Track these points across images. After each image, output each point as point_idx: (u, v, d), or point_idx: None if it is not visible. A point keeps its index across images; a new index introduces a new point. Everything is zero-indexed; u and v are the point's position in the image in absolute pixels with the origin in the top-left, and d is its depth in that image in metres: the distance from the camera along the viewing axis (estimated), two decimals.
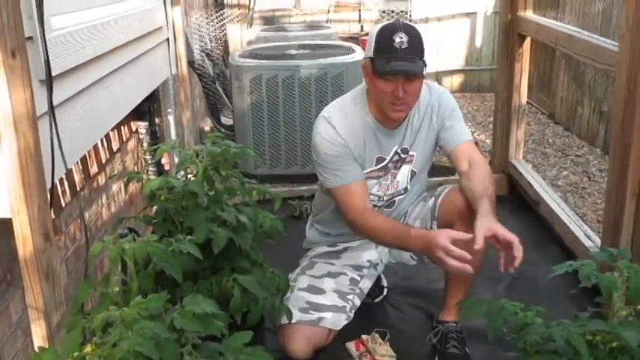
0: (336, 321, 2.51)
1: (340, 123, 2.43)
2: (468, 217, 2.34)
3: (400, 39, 2.23)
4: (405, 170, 2.56)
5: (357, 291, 2.63)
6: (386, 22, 2.35)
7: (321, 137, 2.44)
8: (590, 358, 1.60)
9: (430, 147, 2.56)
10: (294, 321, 2.38)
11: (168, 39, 3.48)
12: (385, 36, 2.27)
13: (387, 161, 2.52)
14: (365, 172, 2.49)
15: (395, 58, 2.24)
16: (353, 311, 2.58)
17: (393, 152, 2.51)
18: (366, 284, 2.68)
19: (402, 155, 2.53)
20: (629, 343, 1.54)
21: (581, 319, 1.73)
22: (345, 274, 2.63)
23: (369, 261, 2.70)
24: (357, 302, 2.62)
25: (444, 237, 2.09)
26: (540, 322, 1.72)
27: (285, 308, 2.31)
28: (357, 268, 2.67)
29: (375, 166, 2.51)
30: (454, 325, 2.53)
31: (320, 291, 2.56)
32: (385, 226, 2.38)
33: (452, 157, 2.51)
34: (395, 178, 2.57)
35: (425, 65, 2.28)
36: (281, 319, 2.42)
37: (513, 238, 2.07)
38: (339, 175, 2.43)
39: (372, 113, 2.46)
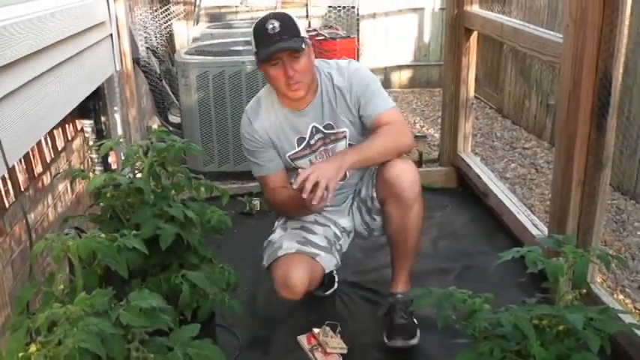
0: (328, 261, 2.56)
1: (254, 115, 2.58)
2: (397, 189, 2.46)
3: (272, 25, 2.36)
4: (341, 146, 2.60)
5: (338, 247, 2.68)
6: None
7: (241, 130, 2.61)
8: (538, 341, 1.62)
9: (360, 122, 2.59)
10: (293, 251, 2.44)
11: (111, 34, 3.41)
12: (259, 27, 2.41)
13: (307, 139, 2.58)
14: (290, 154, 2.59)
15: (271, 42, 2.35)
16: (339, 258, 2.65)
17: (310, 129, 2.57)
18: (344, 245, 2.75)
19: (327, 131, 2.57)
20: (574, 326, 1.56)
21: (529, 305, 1.75)
22: (329, 227, 2.68)
23: (343, 227, 2.75)
24: (344, 249, 2.71)
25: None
26: (488, 309, 1.73)
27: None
28: (337, 225, 2.72)
29: (298, 147, 2.59)
30: (401, 296, 2.58)
31: (312, 232, 2.61)
32: (290, 198, 2.51)
33: (371, 132, 2.53)
34: (333, 153, 2.58)
35: (304, 41, 2.37)
36: (277, 252, 2.49)
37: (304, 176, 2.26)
38: (259, 164, 2.60)
39: (281, 101, 2.55)
